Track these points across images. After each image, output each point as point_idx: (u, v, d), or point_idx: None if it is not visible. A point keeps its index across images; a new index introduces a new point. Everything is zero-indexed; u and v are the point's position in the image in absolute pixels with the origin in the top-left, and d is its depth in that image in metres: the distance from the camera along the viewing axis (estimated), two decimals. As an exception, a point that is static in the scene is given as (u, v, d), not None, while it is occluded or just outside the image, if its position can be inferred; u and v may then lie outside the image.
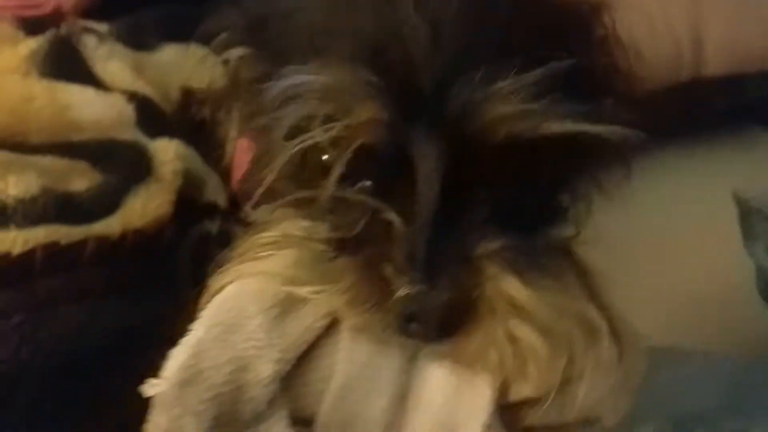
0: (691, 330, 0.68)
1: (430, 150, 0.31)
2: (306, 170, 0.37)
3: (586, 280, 0.37)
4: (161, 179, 0.54)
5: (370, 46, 0.33)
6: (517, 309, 0.32)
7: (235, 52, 0.49)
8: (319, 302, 0.33)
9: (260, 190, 0.39)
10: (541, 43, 0.33)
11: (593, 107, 0.34)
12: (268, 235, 0.37)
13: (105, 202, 0.51)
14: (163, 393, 0.30)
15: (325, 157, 0.35)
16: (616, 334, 0.35)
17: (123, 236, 0.49)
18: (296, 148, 0.34)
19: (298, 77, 0.33)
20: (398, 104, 0.32)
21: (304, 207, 0.37)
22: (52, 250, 0.46)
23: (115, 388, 0.48)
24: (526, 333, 0.32)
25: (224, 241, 0.59)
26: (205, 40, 0.56)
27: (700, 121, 0.97)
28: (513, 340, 0.32)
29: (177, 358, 0.31)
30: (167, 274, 0.53)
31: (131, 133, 0.59)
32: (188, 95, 0.73)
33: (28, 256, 0.45)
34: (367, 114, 0.32)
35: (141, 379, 0.51)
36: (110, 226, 0.49)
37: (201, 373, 0.30)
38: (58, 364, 0.44)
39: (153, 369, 0.52)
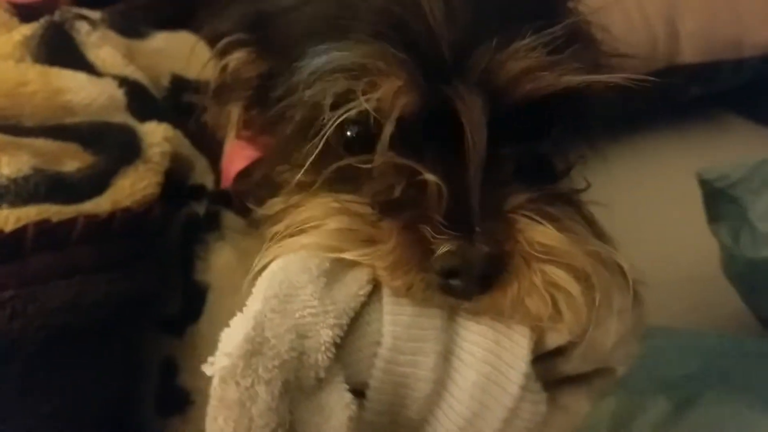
0: (660, 308, 0.71)
1: (473, 102, 0.33)
2: (322, 151, 0.38)
3: (595, 229, 0.38)
4: (149, 161, 0.56)
5: (390, 24, 0.35)
6: (550, 255, 0.33)
7: (237, 55, 0.50)
8: (362, 268, 0.35)
9: (296, 177, 0.40)
10: (540, 14, 0.36)
11: (601, 61, 0.36)
12: (305, 211, 0.39)
13: (95, 182, 0.53)
14: (229, 366, 0.31)
15: (349, 132, 0.37)
16: (630, 284, 0.38)
17: (112, 215, 0.51)
18: (337, 121, 0.35)
19: (327, 56, 0.35)
20: (425, 72, 0.34)
21: (337, 183, 0.39)
22: (43, 227, 0.48)
23: (104, 359, 0.51)
24: (562, 276, 0.33)
25: (211, 223, 0.62)
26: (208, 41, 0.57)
27: (676, 106, 1.00)
28: (550, 284, 0.33)
29: (239, 332, 0.32)
30: (154, 252, 0.55)
31: (122, 117, 0.61)
32: (178, 81, 0.76)
33: (20, 233, 0.47)
34: (399, 83, 0.34)
35: (129, 351, 0.54)
36: (99, 205, 0.51)
37: (266, 342, 0.31)
38: (49, 337, 0.46)
39: (140, 342, 0.55)
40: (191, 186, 0.65)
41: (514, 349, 0.34)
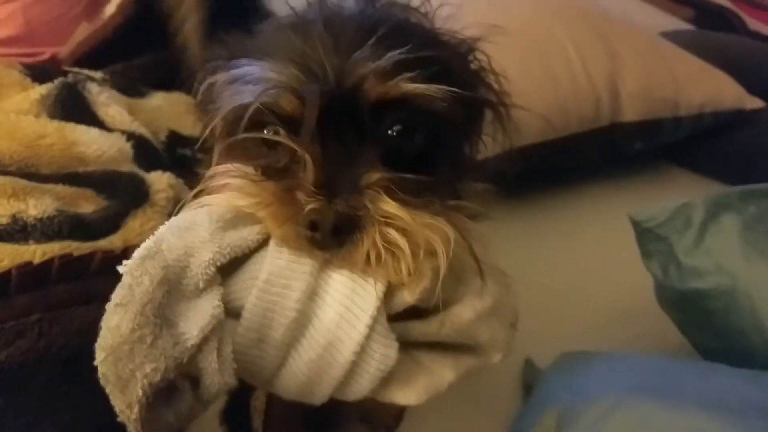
0: (603, 339, 0.79)
1: (312, 96, 0.44)
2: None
3: (463, 229, 0.46)
4: (156, 204, 0.65)
5: (295, 54, 0.47)
6: (391, 221, 0.43)
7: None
8: (257, 225, 0.44)
9: (218, 149, 0.51)
10: (400, 45, 0.46)
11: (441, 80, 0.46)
12: (213, 177, 0.49)
13: (109, 223, 0.60)
14: (130, 263, 0.40)
15: (266, 131, 0.48)
16: (480, 268, 0.46)
17: (125, 251, 0.58)
18: (250, 110, 0.46)
19: (248, 68, 0.48)
20: (313, 83, 0.45)
21: (241, 156, 0.49)
22: (66, 260, 0.55)
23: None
24: (397, 239, 0.42)
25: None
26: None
27: (620, 159, 1.11)
28: (389, 244, 0.42)
29: (143, 245, 0.41)
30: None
31: (129, 167, 0.69)
32: (174, 136, 0.84)
33: (46, 265, 0.54)
34: (292, 92, 0.46)
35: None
36: (113, 242, 0.59)
37: (159, 252, 0.41)
38: (70, 356, 0.52)
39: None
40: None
41: (366, 296, 0.43)
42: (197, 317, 0.41)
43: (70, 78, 0.76)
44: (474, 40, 0.56)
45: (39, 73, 0.81)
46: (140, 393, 0.38)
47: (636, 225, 0.72)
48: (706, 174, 1.19)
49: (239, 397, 0.63)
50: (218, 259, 0.42)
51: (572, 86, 1.00)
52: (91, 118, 0.72)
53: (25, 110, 0.72)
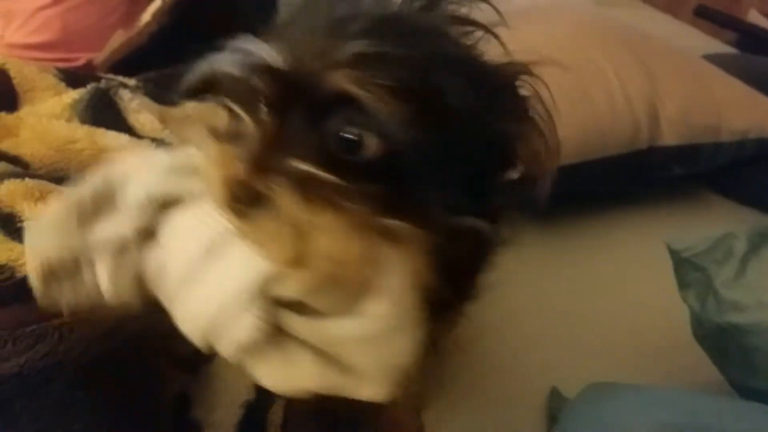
0: (634, 371, 0.76)
1: (263, 76, 0.44)
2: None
3: (374, 248, 0.45)
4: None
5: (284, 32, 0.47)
6: (289, 209, 0.42)
7: None
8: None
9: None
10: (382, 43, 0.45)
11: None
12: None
13: (135, 230, 0.60)
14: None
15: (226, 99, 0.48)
16: (383, 292, 0.45)
17: None
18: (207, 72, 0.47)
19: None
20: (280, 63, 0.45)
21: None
22: (89, 266, 0.55)
23: (130, 386, 0.57)
24: (287, 222, 0.42)
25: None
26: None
27: (657, 185, 1.08)
28: (283, 226, 0.42)
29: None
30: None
31: (157, 174, 0.69)
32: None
33: (69, 270, 0.54)
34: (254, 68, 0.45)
35: (150, 382, 0.60)
36: (137, 249, 0.58)
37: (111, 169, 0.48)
38: (88, 361, 0.52)
39: (166, 371, 0.61)
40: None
41: (251, 268, 0.44)
42: (114, 228, 0.46)
43: (102, 84, 0.77)
44: (521, 67, 0.53)
45: (73, 78, 0.82)
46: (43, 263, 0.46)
47: (674, 254, 0.70)
48: (747, 203, 1.15)
49: (256, 410, 0.63)
50: (153, 191, 0.46)
51: (610, 108, 0.98)
52: (122, 125, 0.72)
53: (57, 114, 0.73)
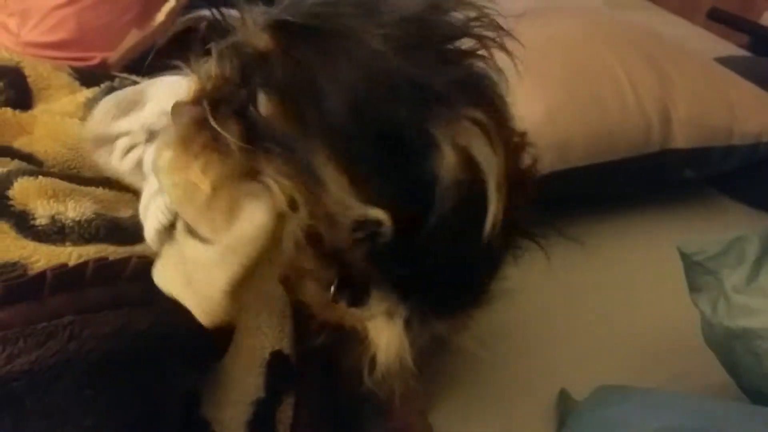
0: (643, 375, 0.76)
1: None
2: None
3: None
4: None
5: None
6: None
7: None
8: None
9: None
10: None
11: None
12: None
13: (145, 228, 0.60)
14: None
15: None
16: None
17: None
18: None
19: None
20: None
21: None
22: (101, 264, 0.55)
23: (139, 384, 0.57)
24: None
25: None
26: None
27: (668, 187, 1.07)
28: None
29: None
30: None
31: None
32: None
33: (81, 267, 0.54)
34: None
35: (160, 379, 0.60)
36: (149, 248, 0.59)
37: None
38: (98, 359, 0.52)
39: (175, 369, 0.61)
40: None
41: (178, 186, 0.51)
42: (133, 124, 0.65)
43: (116, 83, 0.77)
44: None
45: (87, 76, 0.83)
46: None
47: (685, 258, 0.69)
48: (759, 207, 1.15)
49: (265, 408, 0.63)
50: (165, 108, 0.54)
51: (621, 110, 0.97)
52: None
53: (71, 113, 0.73)
